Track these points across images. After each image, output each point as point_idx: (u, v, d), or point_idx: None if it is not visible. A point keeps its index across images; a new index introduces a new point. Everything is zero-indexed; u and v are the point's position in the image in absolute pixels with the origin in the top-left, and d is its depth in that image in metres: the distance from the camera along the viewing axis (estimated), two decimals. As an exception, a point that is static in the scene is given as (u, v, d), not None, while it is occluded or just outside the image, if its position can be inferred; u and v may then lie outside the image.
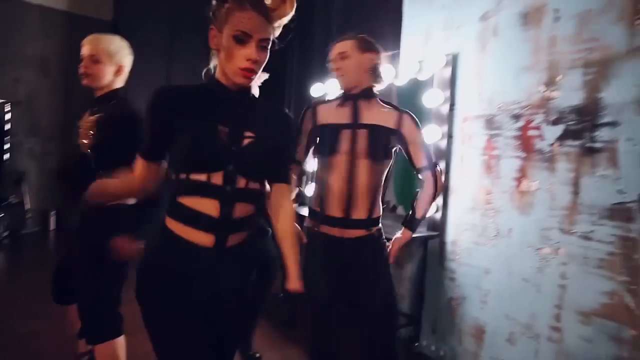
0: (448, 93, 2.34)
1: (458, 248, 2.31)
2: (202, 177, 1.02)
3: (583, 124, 1.77)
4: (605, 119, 1.70)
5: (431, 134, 2.34)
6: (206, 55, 1.14)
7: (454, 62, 2.32)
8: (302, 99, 3.57)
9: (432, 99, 2.38)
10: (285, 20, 1.08)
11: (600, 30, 1.72)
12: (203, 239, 1.04)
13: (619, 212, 1.64)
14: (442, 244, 2.39)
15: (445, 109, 2.35)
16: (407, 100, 2.36)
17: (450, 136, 2.35)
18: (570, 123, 1.81)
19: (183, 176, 1.04)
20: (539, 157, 1.92)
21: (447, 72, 2.34)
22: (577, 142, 1.78)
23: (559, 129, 1.85)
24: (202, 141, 1.04)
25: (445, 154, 2.35)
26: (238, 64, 1.01)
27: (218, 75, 1.09)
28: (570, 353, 1.78)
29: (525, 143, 1.99)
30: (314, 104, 1.69)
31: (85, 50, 1.54)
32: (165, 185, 1.14)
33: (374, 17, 3.00)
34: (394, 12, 2.79)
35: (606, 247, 1.68)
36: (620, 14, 1.67)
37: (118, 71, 1.59)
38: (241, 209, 1.06)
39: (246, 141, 1.07)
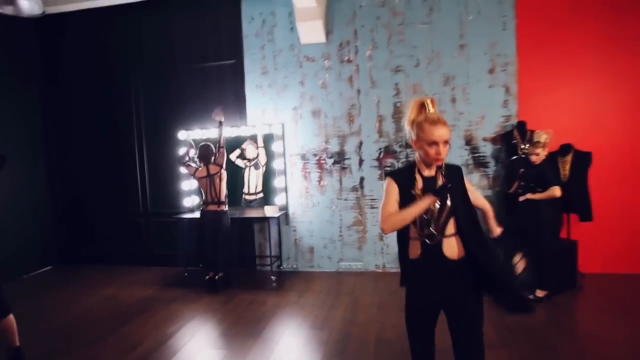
0: (281, 142, 4.83)
1: (295, 215, 4.92)
2: None
3: (339, 158, 4.74)
4: (346, 157, 4.72)
5: (277, 163, 4.79)
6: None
7: (282, 127, 4.83)
8: (174, 140, 5.14)
9: (276, 146, 4.81)
10: None
11: (341, 125, 4.72)
12: None
13: (354, 189, 4.72)
14: (287, 214, 4.92)
15: (281, 149, 4.84)
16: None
17: (285, 163, 4.87)
18: (336, 158, 4.75)
19: None
20: (326, 171, 4.79)
21: (280, 131, 4.82)
22: (338, 165, 4.75)
23: (332, 160, 4.77)
24: None
25: (284, 172, 4.86)
26: None
27: None
28: (368, 239, 4.79)
29: (320, 165, 4.81)
30: None
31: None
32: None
33: (224, 97, 5.03)
34: (239, 95, 4.97)
35: (347, 203, 4.74)
36: (345, 117, 4.70)
37: None
38: None
39: None
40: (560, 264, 3.72)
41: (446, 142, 1.69)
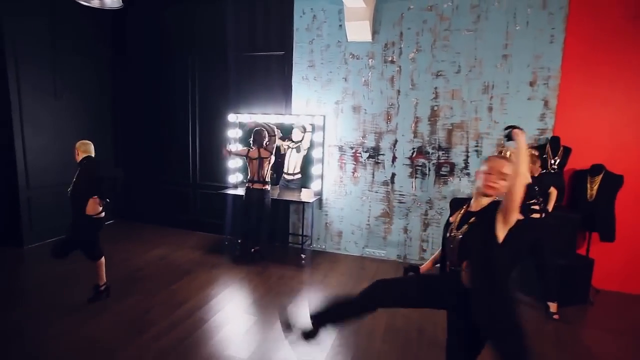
0: (322, 133, 5.18)
1: (329, 200, 5.33)
2: None
3: (374, 153, 5.04)
4: (381, 152, 5.01)
5: (316, 152, 5.17)
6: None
7: (324, 119, 5.16)
8: (224, 122, 5.62)
9: (316, 136, 5.17)
10: None
11: (379, 122, 4.98)
12: None
13: (385, 183, 5.04)
14: (321, 200, 5.35)
15: (320, 139, 5.19)
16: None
17: (323, 153, 5.24)
18: (371, 152, 5.05)
19: None
20: (360, 164, 5.12)
21: (321, 122, 5.16)
22: (373, 159, 5.06)
23: (367, 154, 5.07)
24: None
25: (322, 160, 5.23)
26: None
27: None
28: (393, 230, 5.17)
29: (355, 158, 5.14)
30: None
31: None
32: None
33: (271, 86, 5.40)
34: (285, 85, 5.32)
35: (377, 195, 5.07)
36: (384, 115, 4.94)
37: None
38: None
39: None
40: (573, 280, 3.91)
41: (501, 173, 1.80)
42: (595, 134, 4.25)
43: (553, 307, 3.76)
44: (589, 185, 4.05)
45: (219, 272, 4.60)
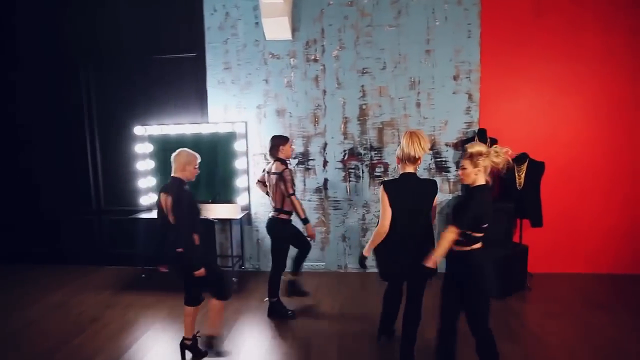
0: (244, 141, 4.69)
1: (258, 215, 4.84)
2: None
3: (304, 159, 4.68)
4: (311, 157, 4.67)
5: (240, 163, 4.66)
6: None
7: (246, 126, 4.68)
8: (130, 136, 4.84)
9: (239, 145, 4.66)
10: None
11: (306, 125, 4.64)
12: None
13: (318, 190, 4.70)
14: (249, 215, 4.84)
15: (244, 148, 4.70)
16: (220, 144, 4.61)
17: (247, 162, 4.75)
18: (300, 158, 4.69)
19: None
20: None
21: (243, 129, 4.67)
22: (302, 165, 4.70)
23: (296, 160, 4.70)
24: None
25: (247, 171, 4.74)
26: None
27: None
28: (331, 239, 4.79)
29: (284, 166, 4.73)
30: None
31: None
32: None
33: (184, 92, 4.78)
34: (200, 90, 4.75)
35: (311, 204, 4.73)
36: (310, 117, 4.62)
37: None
38: None
39: None
40: (512, 269, 3.93)
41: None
42: (516, 124, 4.38)
43: None
44: (516, 174, 4.13)
45: (136, 313, 3.86)
